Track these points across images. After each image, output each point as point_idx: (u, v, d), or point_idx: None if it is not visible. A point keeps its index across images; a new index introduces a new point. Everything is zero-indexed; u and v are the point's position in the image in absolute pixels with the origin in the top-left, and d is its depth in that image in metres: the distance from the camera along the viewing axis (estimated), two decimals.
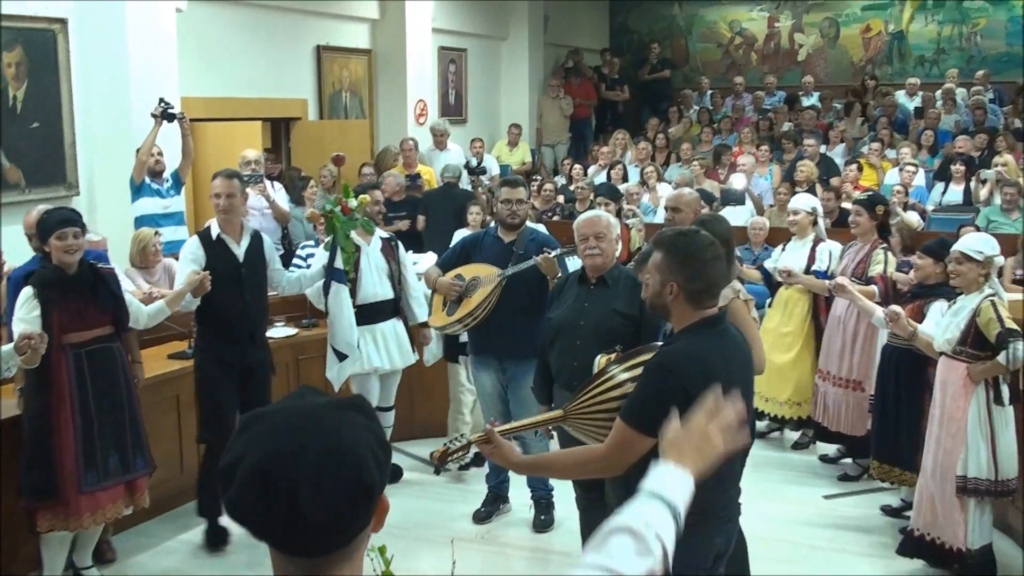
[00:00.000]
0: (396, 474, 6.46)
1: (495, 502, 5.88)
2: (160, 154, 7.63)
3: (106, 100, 7.94)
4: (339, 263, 5.80)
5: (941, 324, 4.99)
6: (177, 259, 7.53)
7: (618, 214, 7.37)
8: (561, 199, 11.09)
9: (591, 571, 1.63)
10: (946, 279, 5.16)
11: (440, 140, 11.50)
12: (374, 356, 6.05)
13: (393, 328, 6.16)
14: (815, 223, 6.82)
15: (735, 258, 4.78)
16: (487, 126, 13.94)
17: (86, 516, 4.73)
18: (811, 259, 6.65)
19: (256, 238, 5.63)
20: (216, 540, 5.55)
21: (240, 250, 5.51)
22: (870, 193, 6.91)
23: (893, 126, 12.62)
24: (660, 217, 9.51)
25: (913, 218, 9.26)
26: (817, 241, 6.75)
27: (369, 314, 6.02)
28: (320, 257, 5.99)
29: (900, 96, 13.76)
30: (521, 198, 5.55)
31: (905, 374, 5.52)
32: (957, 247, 4.93)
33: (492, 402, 5.60)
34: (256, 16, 10.06)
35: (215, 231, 5.52)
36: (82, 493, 4.71)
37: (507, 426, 3.38)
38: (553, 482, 5.63)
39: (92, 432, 4.76)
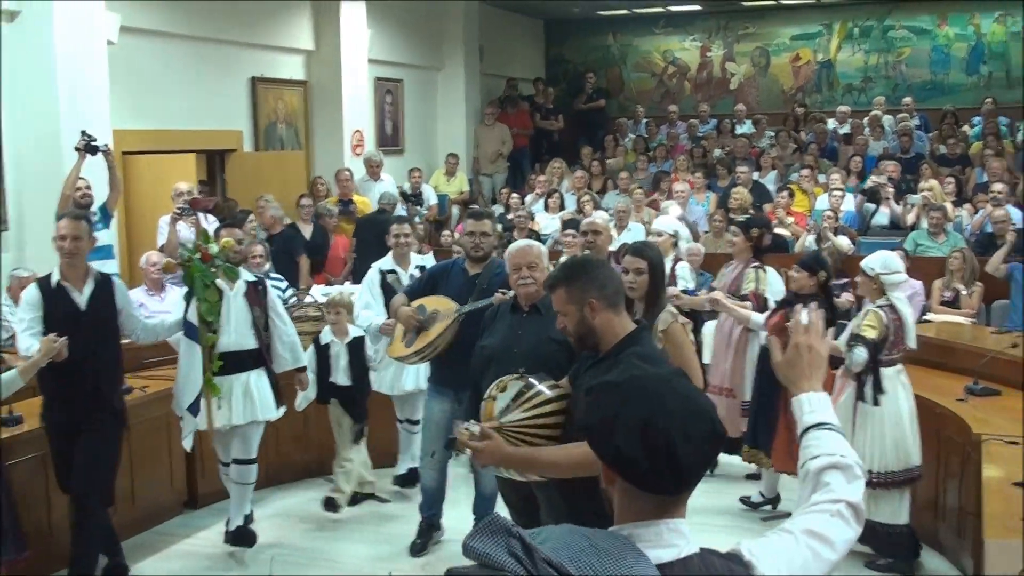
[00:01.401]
0: (250, 537, 5.84)
1: (429, 531, 5.85)
2: (88, 187, 7.54)
3: (35, 134, 7.84)
4: (192, 317, 5.42)
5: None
6: None
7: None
8: (499, 228, 11.13)
9: (827, 507, 1.94)
10: (819, 291, 5.75)
11: (374, 170, 11.49)
12: (215, 412, 5.58)
13: (246, 381, 5.68)
14: (675, 244, 7.39)
15: (666, 284, 4.86)
16: (424, 156, 13.97)
17: None
18: (672, 278, 7.07)
19: (103, 283, 5.22)
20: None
21: (82, 297, 5.12)
22: (748, 216, 7.35)
23: (824, 152, 12.88)
24: None
25: (843, 242, 9.47)
26: (676, 261, 7.28)
27: (227, 364, 5.58)
28: (183, 306, 5.61)
29: (830, 123, 14.06)
30: (485, 231, 5.51)
31: (771, 371, 5.80)
32: (861, 264, 5.62)
33: (437, 433, 5.56)
34: (189, 48, 10.00)
35: (55, 277, 5.12)
36: None
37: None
38: (497, 510, 5.61)
39: None
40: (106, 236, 7.79)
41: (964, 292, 8.58)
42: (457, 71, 14.47)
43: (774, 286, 6.54)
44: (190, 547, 6.01)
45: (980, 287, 8.63)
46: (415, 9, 13.51)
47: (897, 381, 5.37)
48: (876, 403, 5.28)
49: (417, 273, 6.38)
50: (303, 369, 6.05)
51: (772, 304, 6.35)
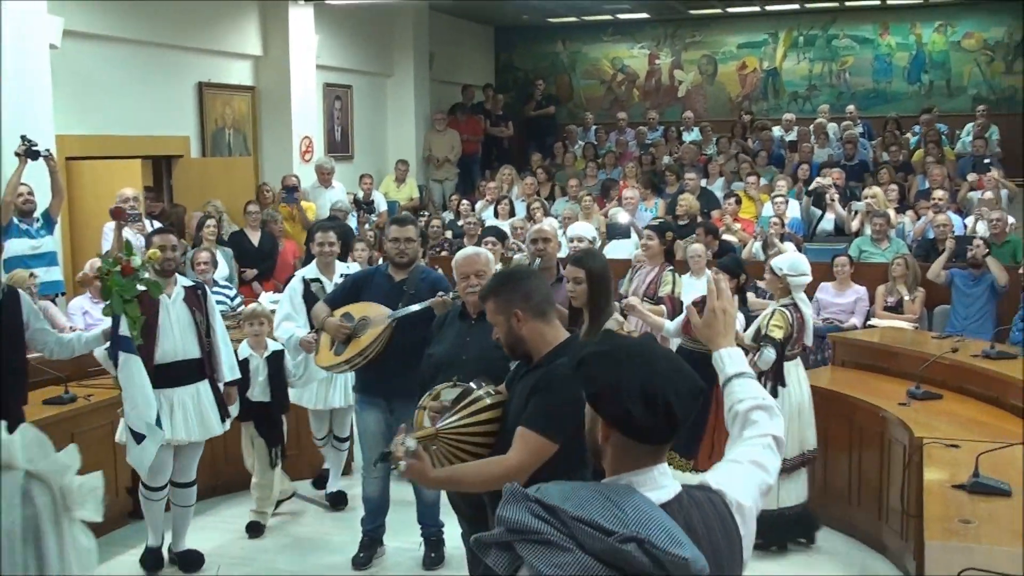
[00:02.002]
0: (197, 560, 5.73)
1: (372, 546, 5.74)
2: (31, 193, 7.43)
3: None
4: (124, 330, 5.00)
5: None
6: (52, 301, 7.36)
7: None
8: (449, 234, 11.13)
9: (759, 440, 2.25)
10: (736, 292, 5.95)
11: (325, 178, 11.44)
12: (165, 427, 5.28)
13: (196, 393, 5.44)
14: None
15: (614, 292, 4.87)
16: (374, 162, 13.92)
17: None
18: None
19: (10, 296, 4.94)
20: None
21: None
22: (661, 220, 7.44)
23: (771, 160, 13.04)
24: None
25: (789, 248, 9.58)
26: None
27: (169, 376, 5.31)
28: (107, 319, 5.22)
29: (776, 131, 14.24)
30: (410, 236, 5.46)
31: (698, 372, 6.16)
32: (772, 260, 5.97)
33: (375, 443, 5.48)
34: (135, 52, 9.88)
35: None
36: None
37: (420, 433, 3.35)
38: (442, 518, 5.60)
39: None
40: (49, 242, 7.68)
41: (907, 297, 8.74)
42: (407, 77, 14.44)
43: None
44: (135, 558, 5.91)
45: (922, 292, 8.79)
46: (364, 15, 13.47)
47: (796, 373, 5.76)
48: (775, 395, 5.57)
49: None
50: (234, 383, 5.79)
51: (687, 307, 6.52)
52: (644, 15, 16.40)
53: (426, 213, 12.11)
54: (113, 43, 9.58)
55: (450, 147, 14.27)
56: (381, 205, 12.28)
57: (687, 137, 14.51)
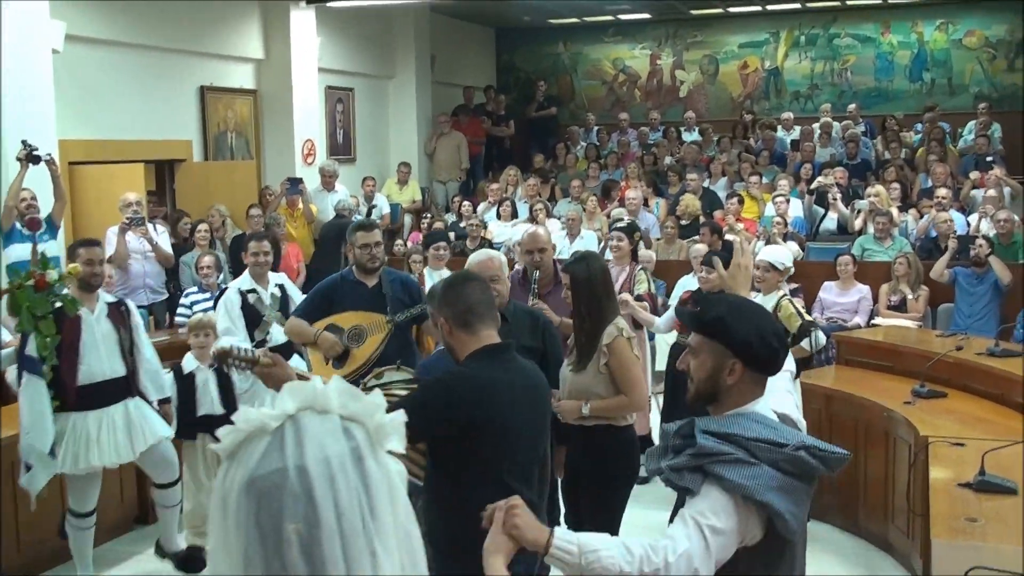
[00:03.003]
0: (199, 560, 5.54)
1: None
2: (33, 198, 7.42)
3: None
4: (32, 350, 4.66)
5: None
6: None
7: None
8: (452, 236, 11.12)
9: (782, 375, 2.67)
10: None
11: (328, 181, 11.44)
12: (92, 451, 4.99)
13: (125, 411, 5.14)
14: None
15: (615, 293, 4.80)
16: (376, 165, 13.93)
17: None
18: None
19: None
20: None
21: None
22: (629, 221, 7.46)
23: (773, 159, 13.02)
24: None
25: (793, 248, 9.57)
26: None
27: (96, 397, 5.04)
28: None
29: (779, 131, 14.21)
30: (378, 240, 5.46)
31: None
32: (765, 258, 5.89)
33: None
34: (137, 57, 9.89)
35: None
36: None
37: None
38: None
39: None
40: (52, 247, 7.67)
41: (910, 296, 8.72)
42: (408, 79, 14.44)
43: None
44: (143, 562, 5.92)
45: (926, 291, 8.78)
46: (366, 17, 13.46)
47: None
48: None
49: (277, 292, 6.19)
50: (167, 400, 5.51)
51: (668, 303, 6.49)
52: (645, 15, 16.39)
53: (429, 215, 12.11)
54: (115, 47, 9.59)
55: (455, 148, 14.26)
56: (384, 208, 12.28)
57: (688, 137, 14.49)
